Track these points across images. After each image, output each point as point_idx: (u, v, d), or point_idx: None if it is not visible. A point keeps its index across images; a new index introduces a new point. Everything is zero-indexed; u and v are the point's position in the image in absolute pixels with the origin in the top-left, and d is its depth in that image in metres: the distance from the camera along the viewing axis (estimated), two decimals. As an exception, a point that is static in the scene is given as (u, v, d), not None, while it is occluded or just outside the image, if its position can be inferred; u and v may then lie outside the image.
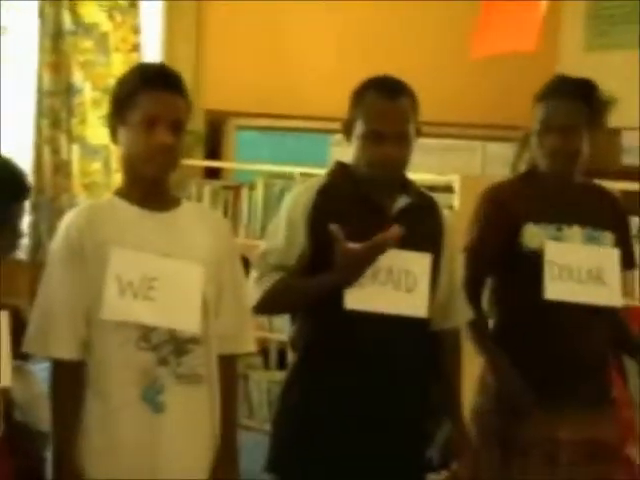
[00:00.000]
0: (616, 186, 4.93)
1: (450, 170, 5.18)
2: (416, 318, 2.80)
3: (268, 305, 2.87)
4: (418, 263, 2.80)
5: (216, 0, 5.92)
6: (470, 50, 5.07)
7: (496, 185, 3.12)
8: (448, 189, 4.57)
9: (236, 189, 5.53)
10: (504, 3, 4.88)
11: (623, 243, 3.09)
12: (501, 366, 2.97)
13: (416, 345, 2.83)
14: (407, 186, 2.90)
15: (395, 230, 2.69)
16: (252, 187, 5.45)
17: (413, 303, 2.79)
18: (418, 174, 3.33)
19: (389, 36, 6.45)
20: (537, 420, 2.97)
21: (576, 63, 6.80)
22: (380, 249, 2.71)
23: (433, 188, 4.42)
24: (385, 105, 2.79)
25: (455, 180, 4.54)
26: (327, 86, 5.88)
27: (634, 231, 4.89)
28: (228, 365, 2.69)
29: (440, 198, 3.10)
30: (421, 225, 2.86)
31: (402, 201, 2.86)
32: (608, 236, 3.06)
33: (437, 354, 2.92)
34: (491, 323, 3.11)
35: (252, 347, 2.74)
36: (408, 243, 2.79)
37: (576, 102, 2.99)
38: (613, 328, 3.07)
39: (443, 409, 2.91)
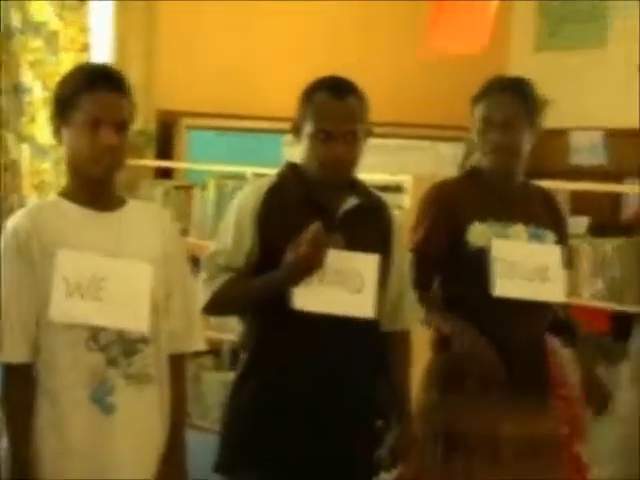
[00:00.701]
0: (564, 186, 4.99)
1: (402, 170, 5.20)
2: (364, 319, 2.80)
3: (217, 306, 2.87)
4: (366, 264, 2.81)
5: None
6: (421, 51, 5.10)
7: (441, 184, 3.15)
8: (400, 189, 4.58)
9: (188, 189, 5.52)
10: (454, 5, 4.91)
11: (562, 244, 3.13)
12: (471, 335, 2.97)
13: (365, 346, 2.84)
14: (356, 187, 2.90)
15: (315, 225, 2.69)
16: (204, 187, 5.43)
17: (360, 304, 2.79)
18: (370, 174, 3.34)
19: (341, 37, 6.46)
20: (480, 416, 2.99)
21: (526, 64, 6.85)
22: (316, 245, 2.70)
23: (385, 188, 4.44)
24: (334, 105, 2.79)
25: (407, 180, 4.56)
26: (279, 86, 5.88)
27: (582, 230, 4.96)
28: (177, 364, 2.68)
29: (392, 198, 3.11)
30: (369, 226, 2.86)
31: (350, 202, 2.86)
32: (550, 235, 3.10)
33: (386, 355, 2.92)
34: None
35: (201, 345, 2.74)
36: (356, 244, 2.80)
37: (514, 99, 3.03)
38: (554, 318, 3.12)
39: (392, 410, 2.92)
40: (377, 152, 6.03)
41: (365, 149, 2.88)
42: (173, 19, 5.92)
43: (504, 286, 2.96)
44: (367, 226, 2.86)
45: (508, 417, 3.01)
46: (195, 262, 2.87)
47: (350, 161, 2.83)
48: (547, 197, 3.21)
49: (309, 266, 2.72)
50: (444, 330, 3.03)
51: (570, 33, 6.97)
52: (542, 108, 3.10)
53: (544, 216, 3.10)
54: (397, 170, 5.27)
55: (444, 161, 6.60)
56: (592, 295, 4.36)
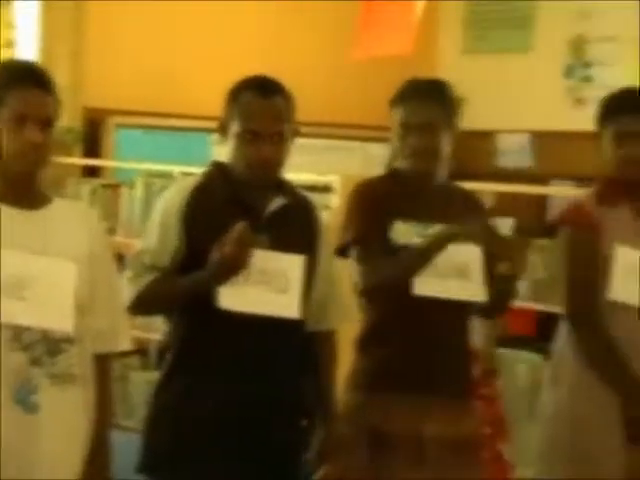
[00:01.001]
0: (490, 188, 5.05)
1: (331, 170, 5.22)
2: (290, 319, 2.80)
3: (142, 305, 2.86)
4: (291, 264, 2.81)
5: (96, -2, 5.85)
6: (350, 52, 5.13)
7: (364, 182, 3.15)
8: (329, 189, 4.60)
9: (115, 188, 5.49)
10: (381, 6, 4.95)
11: None
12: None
13: (290, 346, 2.84)
14: (282, 187, 2.90)
15: (240, 224, 2.69)
16: (131, 186, 5.40)
17: (286, 304, 2.79)
18: (298, 174, 3.34)
19: (270, 36, 6.47)
20: (404, 417, 3.01)
21: (454, 66, 6.92)
22: (241, 244, 2.70)
23: (313, 188, 4.45)
24: (260, 104, 2.79)
25: (335, 180, 4.57)
26: (208, 85, 5.86)
27: (506, 232, 5.01)
28: (102, 364, 2.67)
29: (320, 198, 3.11)
30: (296, 226, 2.87)
31: (277, 202, 2.86)
32: None
33: (311, 355, 2.93)
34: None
35: (127, 345, 2.72)
36: (282, 244, 2.81)
37: (431, 102, 3.04)
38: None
39: (317, 410, 2.93)
40: (306, 152, 6.07)
41: (293, 149, 2.88)
42: (101, 18, 5.88)
43: (424, 285, 2.98)
44: (293, 226, 2.86)
45: (432, 417, 3.03)
46: (122, 260, 2.85)
47: (277, 161, 2.83)
48: (469, 198, 3.23)
49: (234, 266, 2.72)
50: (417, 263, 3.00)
51: (497, 37, 7.06)
52: (459, 108, 3.12)
53: (465, 216, 3.12)
54: (326, 170, 5.29)
55: (373, 161, 6.64)
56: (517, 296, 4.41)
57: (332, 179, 4.61)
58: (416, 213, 3.04)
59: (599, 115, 3.24)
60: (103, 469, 2.66)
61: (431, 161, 3.05)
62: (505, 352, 4.58)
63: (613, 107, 3.22)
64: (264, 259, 2.77)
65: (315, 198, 3.06)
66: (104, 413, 2.67)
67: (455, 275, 3.00)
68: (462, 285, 3.01)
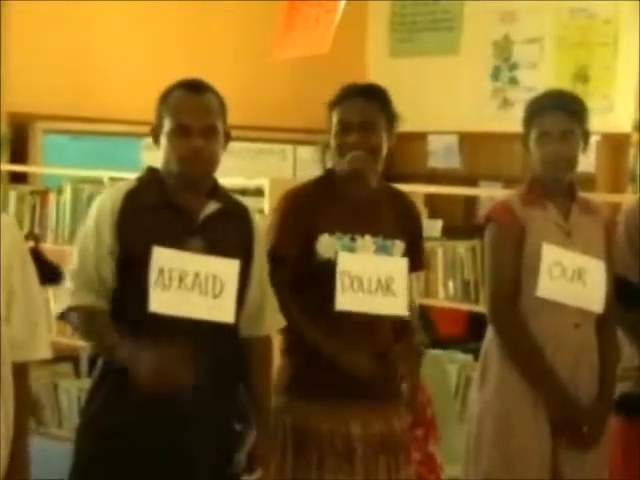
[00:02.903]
0: (421, 189, 5.08)
1: (262, 174, 5.22)
2: (224, 324, 2.79)
3: (71, 324, 2.87)
4: (226, 269, 2.79)
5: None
6: (272, 52, 5.11)
7: (294, 191, 3.14)
8: (262, 193, 4.59)
9: (43, 194, 5.41)
10: (302, 6, 4.94)
11: (414, 248, 3.16)
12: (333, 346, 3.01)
13: (224, 351, 2.82)
14: (217, 191, 2.88)
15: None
16: (60, 192, 5.34)
17: (219, 309, 2.77)
18: (229, 178, 3.33)
19: (199, 40, 6.45)
20: (331, 417, 3.02)
21: (383, 69, 6.96)
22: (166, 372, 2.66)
23: (245, 192, 4.44)
24: (190, 100, 2.79)
25: (265, 184, 4.56)
26: (137, 89, 5.84)
27: (437, 233, 5.05)
28: (20, 373, 2.61)
29: (251, 202, 3.09)
30: (231, 231, 2.85)
31: (211, 207, 2.84)
32: (398, 244, 3.11)
33: (246, 361, 2.92)
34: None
35: (47, 353, 2.67)
36: (216, 248, 2.79)
37: (371, 102, 3.06)
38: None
39: (252, 414, 2.92)
40: (237, 156, 6.06)
41: (225, 152, 2.86)
42: (26, 20, 5.80)
43: (346, 300, 2.98)
44: (228, 231, 2.84)
45: (358, 418, 3.04)
46: (50, 267, 2.81)
47: (209, 155, 2.80)
48: (400, 201, 3.22)
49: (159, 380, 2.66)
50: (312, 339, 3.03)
51: (424, 40, 7.12)
52: (397, 116, 3.13)
53: (394, 224, 3.12)
54: (257, 174, 5.29)
55: (303, 164, 6.66)
56: (446, 296, 4.45)
57: (262, 182, 4.61)
58: (343, 224, 3.04)
59: (525, 116, 3.29)
60: (22, 476, 2.61)
61: (371, 160, 3.05)
62: (436, 352, 4.63)
63: (537, 108, 3.26)
64: (199, 263, 2.76)
65: (247, 202, 3.04)
66: (21, 422, 2.60)
67: (379, 289, 3.01)
68: (385, 300, 3.02)
